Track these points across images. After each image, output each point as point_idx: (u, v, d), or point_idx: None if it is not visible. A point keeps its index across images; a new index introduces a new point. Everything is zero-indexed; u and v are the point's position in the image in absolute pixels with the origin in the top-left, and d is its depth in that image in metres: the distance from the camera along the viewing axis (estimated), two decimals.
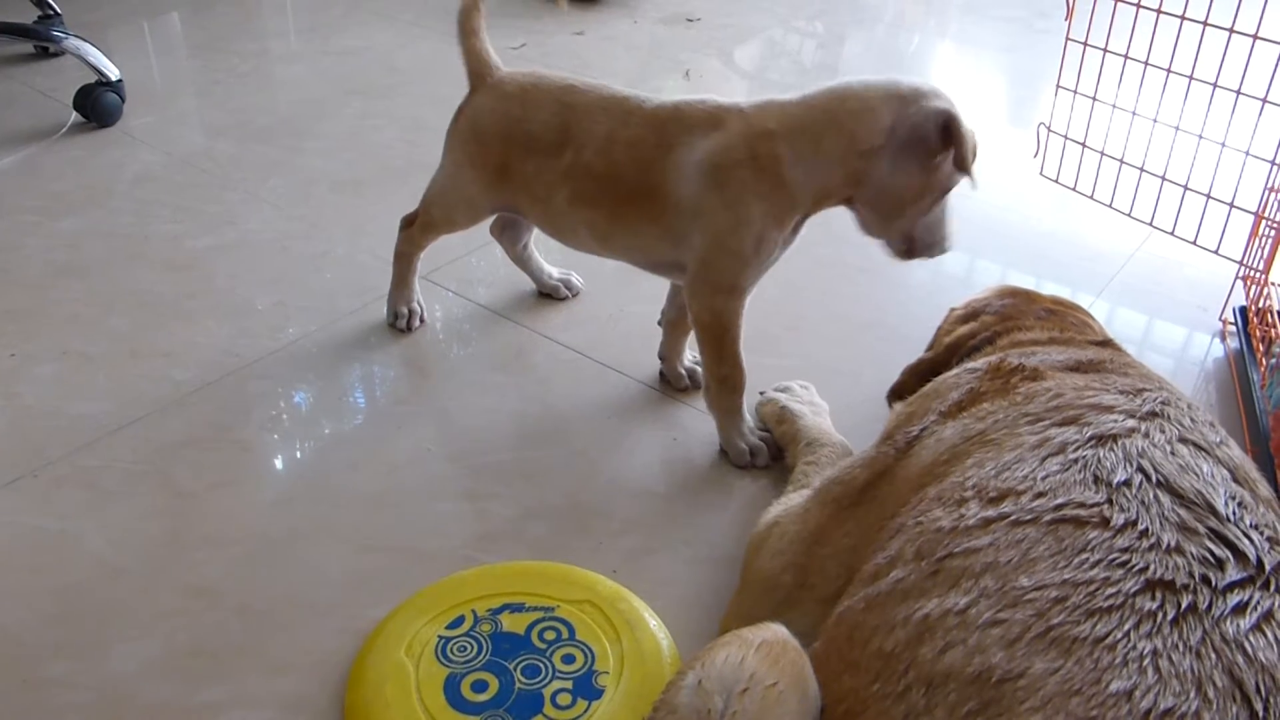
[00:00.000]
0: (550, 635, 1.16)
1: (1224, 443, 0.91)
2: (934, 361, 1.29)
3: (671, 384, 1.61)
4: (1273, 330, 1.61)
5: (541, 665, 1.12)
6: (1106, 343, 1.16)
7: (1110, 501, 0.80)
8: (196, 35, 3.02)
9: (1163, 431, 0.88)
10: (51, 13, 2.74)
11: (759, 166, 1.31)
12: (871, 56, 3.08)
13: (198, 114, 2.52)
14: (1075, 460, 0.85)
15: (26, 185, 2.13)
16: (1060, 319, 1.26)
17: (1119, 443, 0.86)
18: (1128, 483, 0.81)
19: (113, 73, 2.38)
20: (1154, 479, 0.82)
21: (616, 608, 1.19)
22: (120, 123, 2.39)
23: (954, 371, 1.15)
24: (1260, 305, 1.69)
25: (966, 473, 0.89)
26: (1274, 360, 1.53)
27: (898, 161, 1.29)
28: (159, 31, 3.09)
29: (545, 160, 1.45)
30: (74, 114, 2.39)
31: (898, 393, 1.31)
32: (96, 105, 2.35)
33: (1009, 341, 1.20)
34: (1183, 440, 0.88)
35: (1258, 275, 1.72)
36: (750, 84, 2.87)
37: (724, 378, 1.43)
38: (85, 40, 2.44)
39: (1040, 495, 0.82)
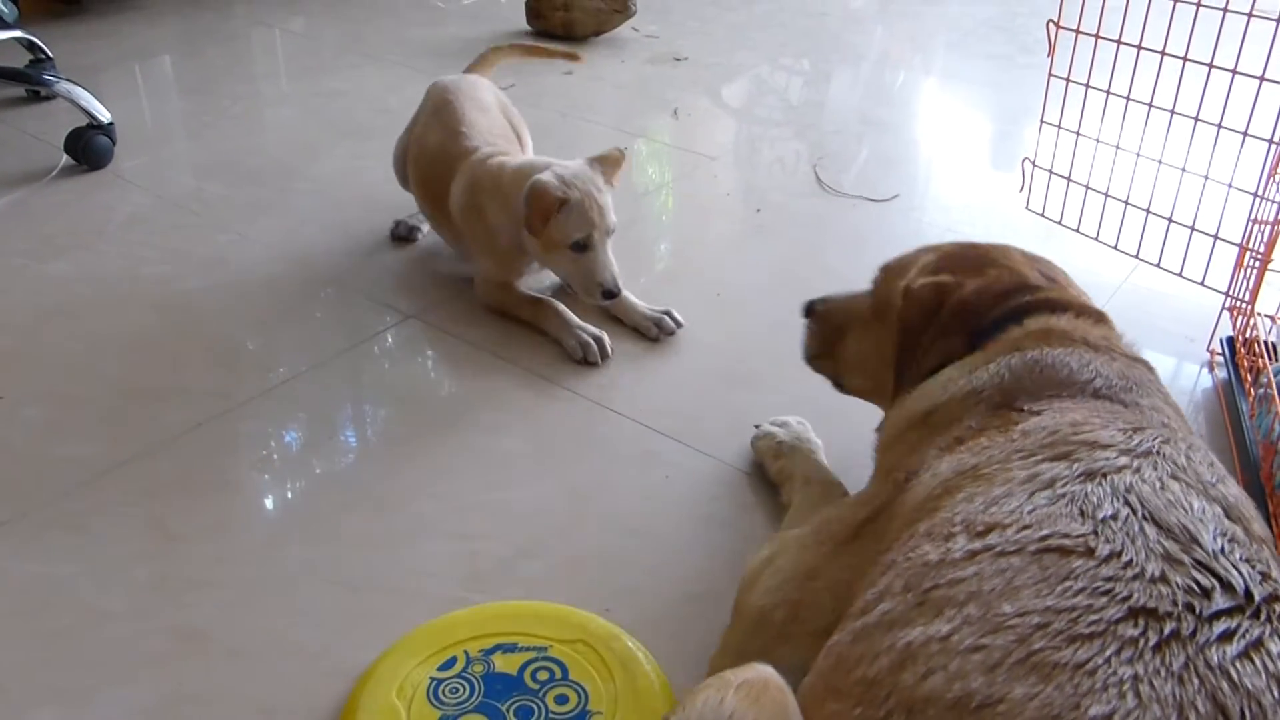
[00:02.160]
0: (543, 675, 1.15)
1: (1221, 481, 0.91)
2: (907, 322, 1.23)
3: (645, 335, 1.83)
4: (1260, 360, 1.62)
5: (535, 706, 1.11)
6: (1137, 359, 1.13)
7: (1096, 533, 0.80)
8: (188, 78, 3.04)
9: (1155, 468, 0.88)
10: (43, 57, 2.77)
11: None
12: (858, 93, 3.11)
13: (188, 156, 2.53)
14: (1063, 495, 0.85)
15: (16, 228, 2.14)
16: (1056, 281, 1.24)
17: (1108, 479, 0.86)
18: (1114, 516, 0.82)
19: (104, 116, 2.40)
20: (1140, 513, 0.82)
21: (610, 647, 1.18)
22: (111, 165, 2.40)
23: (959, 394, 1.09)
24: (1247, 336, 1.70)
25: (956, 508, 0.89)
26: (1262, 390, 1.53)
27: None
28: (150, 74, 3.11)
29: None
30: (65, 157, 2.40)
31: (819, 341, 1.38)
32: (87, 148, 2.36)
33: (1042, 327, 1.14)
34: (1175, 477, 0.88)
35: (1243, 306, 1.73)
36: (738, 121, 2.90)
37: (530, 323, 1.82)
38: (77, 84, 2.45)
39: (1026, 528, 0.82)
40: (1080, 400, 1.02)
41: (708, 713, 0.77)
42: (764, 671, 0.83)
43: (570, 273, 1.76)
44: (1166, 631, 0.71)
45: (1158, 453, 0.91)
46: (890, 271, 1.33)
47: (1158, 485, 0.86)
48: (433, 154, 1.94)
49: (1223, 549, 0.79)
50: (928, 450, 1.04)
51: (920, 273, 1.27)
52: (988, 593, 0.76)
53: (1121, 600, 0.73)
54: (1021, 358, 1.08)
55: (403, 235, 2.11)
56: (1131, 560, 0.77)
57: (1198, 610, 0.73)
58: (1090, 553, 0.78)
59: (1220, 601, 0.74)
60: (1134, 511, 0.82)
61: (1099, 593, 0.74)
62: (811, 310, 1.45)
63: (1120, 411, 0.98)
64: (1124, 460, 0.89)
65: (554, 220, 1.69)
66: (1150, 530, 0.80)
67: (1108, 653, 0.70)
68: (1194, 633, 0.71)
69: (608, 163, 1.79)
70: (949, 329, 1.19)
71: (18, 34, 2.73)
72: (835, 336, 1.41)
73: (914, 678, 0.73)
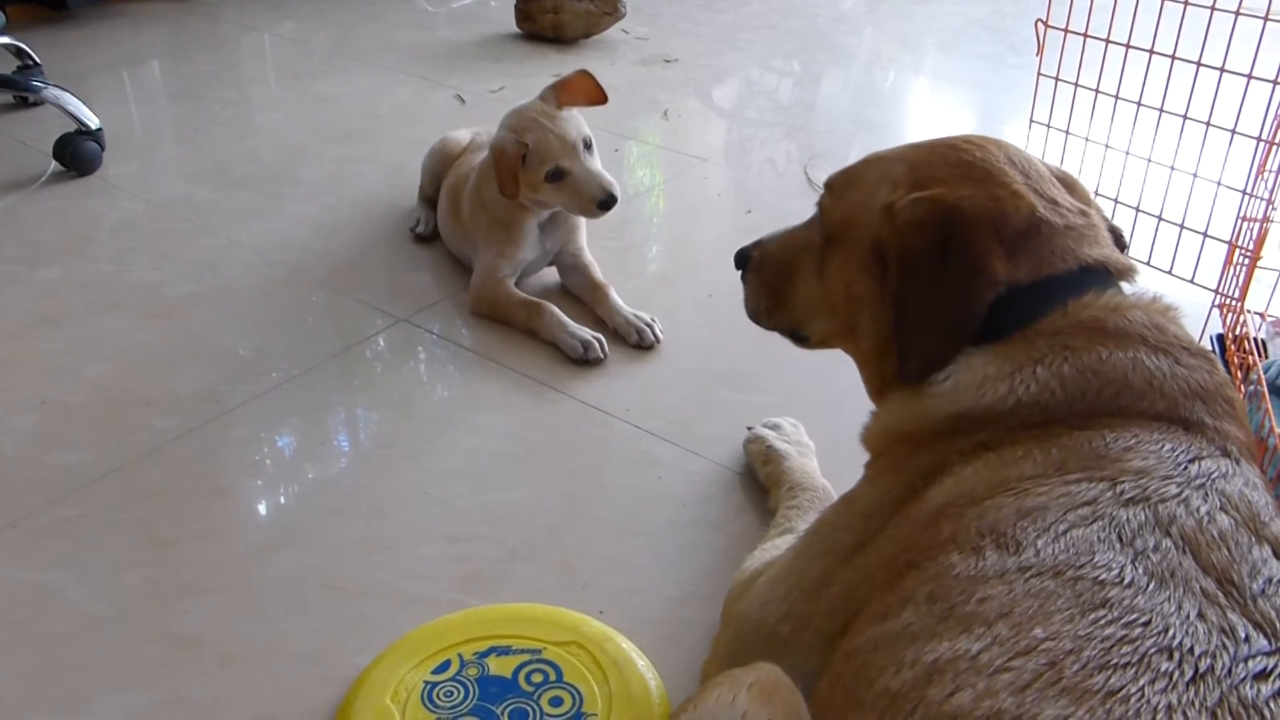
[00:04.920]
0: (538, 678, 1.15)
1: (1275, 520, 0.85)
2: (909, 262, 0.99)
3: (625, 339, 1.80)
4: (1250, 358, 1.62)
5: (529, 708, 1.11)
6: (1198, 354, 0.98)
7: (1133, 563, 0.78)
8: (177, 83, 3.04)
9: (1205, 500, 0.84)
10: (31, 63, 2.76)
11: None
12: (848, 94, 3.11)
13: (178, 162, 2.52)
14: (1100, 517, 0.82)
15: (5, 235, 2.13)
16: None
17: (1151, 506, 0.83)
18: (1155, 547, 0.79)
19: (92, 121, 2.39)
20: (1181, 546, 0.79)
21: (604, 648, 1.18)
22: (100, 171, 2.39)
23: (1000, 407, 0.96)
24: (1237, 333, 1.70)
25: (985, 517, 0.86)
26: (1252, 387, 1.54)
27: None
28: (139, 80, 3.10)
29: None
30: (53, 163, 2.39)
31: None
32: (76, 154, 2.35)
33: (1094, 317, 0.97)
34: (1224, 510, 0.83)
35: (1233, 303, 1.73)
36: (729, 122, 2.90)
37: (526, 329, 1.80)
38: (65, 89, 2.44)
39: (1061, 549, 0.80)
40: (1137, 423, 0.92)
41: (720, 711, 0.77)
42: (774, 671, 0.83)
43: (564, 201, 1.80)
44: (1202, 668, 0.70)
45: (1209, 484, 0.86)
46: (842, 186, 1.12)
47: (1205, 519, 0.82)
48: (467, 170, 2.00)
49: (1263, 590, 0.76)
50: (948, 452, 0.96)
51: (896, 187, 1.05)
52: (1018, 614, 0.75)
53: (1157, 633, 0.72)
54: (1074, 366, 0.94)
55: (425, 235, 2.11)
56: (1169, 595, 0.75)
57: (1233, 651, 0.72)
58: (1127, 584, 0.76)
59: (1257, 644, 0.72)
60: (1175, 545, 0.79)
61: (1135, 624, 0.73)
62: (747, 260, 1.27)
63: (1179, 435, 0.91)
64: (1172, 489, 0.84)
65: (522, 171, 1.76)
66: (1189, 565, 0.78)
67: (1141, 682, 0.69)
68: (1229, 671, 0.70)
69: (563, 87, 1.83)
70: (966, 292, 0.98)
71: (5, 40, 2.72)
72: (783, 280, 1.21)
73: (941, 693, 0.72)
